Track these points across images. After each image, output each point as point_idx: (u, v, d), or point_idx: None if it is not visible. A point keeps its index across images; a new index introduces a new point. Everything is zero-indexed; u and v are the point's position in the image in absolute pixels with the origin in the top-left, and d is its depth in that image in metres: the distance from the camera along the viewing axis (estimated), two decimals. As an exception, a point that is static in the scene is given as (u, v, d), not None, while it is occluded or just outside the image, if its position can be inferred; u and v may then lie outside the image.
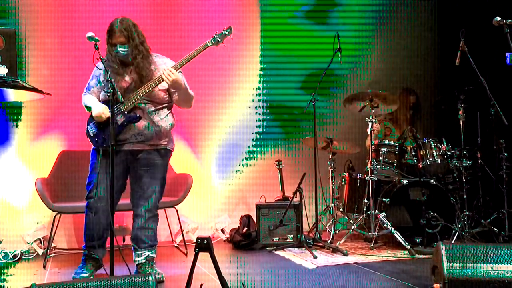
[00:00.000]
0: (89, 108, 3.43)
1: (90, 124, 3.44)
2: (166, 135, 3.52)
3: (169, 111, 3.55)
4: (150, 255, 3.50)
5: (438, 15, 5.97)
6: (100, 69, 3.24)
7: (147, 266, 3.46)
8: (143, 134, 3.38)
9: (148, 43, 3.42)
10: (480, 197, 4.64)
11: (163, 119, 3.47)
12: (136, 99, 3.32)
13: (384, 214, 4.32)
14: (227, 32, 3.35)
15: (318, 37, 5.55)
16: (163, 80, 3.29)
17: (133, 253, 3.52)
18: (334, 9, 5.73)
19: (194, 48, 3.33)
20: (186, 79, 3.48)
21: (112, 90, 2.91)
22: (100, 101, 3.45)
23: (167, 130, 3.51)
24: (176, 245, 4.80)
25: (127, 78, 3.39)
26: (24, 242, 4.50)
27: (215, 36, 3.34)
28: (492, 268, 2.64)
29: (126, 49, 3.31)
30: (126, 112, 3.33)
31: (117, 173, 3.40)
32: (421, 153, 4.50)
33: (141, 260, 3.48)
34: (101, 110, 3.32)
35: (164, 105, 3.49)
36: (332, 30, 4.84)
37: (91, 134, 3.42)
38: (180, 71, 3.39)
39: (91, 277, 3.37)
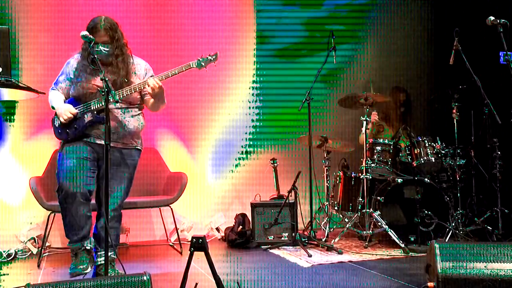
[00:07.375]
0: (53, 107, 3.38)
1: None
2: (137, 136, 3.49)
3: (140, 111, 3.52)
4: (112, 256, 3.36)
5: (432, 15, 5.99)
6: (94, 68, 3.21)
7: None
8: (116, 132, 3.33)
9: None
10: (473, 195, 4.66)
11: (135, 119, 3.43)
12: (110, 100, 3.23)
13: (378, 212, 4.34)
14: (212, 58, 3.28)
15: (313, 37, 5.55)
16: (144, 88, 3.24)
17: (94, 254, 3.38)
18: (329, 8, 5.73)
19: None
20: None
21: (106, 89, 2.90)
22: (69, 97, 3.39)
23: (139, 130, 3.48)
24: (171, 244, 4.79)
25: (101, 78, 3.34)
26: (18, 241, 4.49)
27: (200, 60, 3.27)
28: (485, 266, 2.65)
29: (108, 49, 3.26)
30: (95, 112, 3.28)
31: (90, 163, 3.33)
32: (415, 152, 4.52)
33: (102, 261, 3.34)
34: (64, 112, 3.27)
35: (135, 106, 3.45)
36: (327, 30, 4.84)
37: (56, 125, 3.37)
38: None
39: (89, 269, 3.29)
